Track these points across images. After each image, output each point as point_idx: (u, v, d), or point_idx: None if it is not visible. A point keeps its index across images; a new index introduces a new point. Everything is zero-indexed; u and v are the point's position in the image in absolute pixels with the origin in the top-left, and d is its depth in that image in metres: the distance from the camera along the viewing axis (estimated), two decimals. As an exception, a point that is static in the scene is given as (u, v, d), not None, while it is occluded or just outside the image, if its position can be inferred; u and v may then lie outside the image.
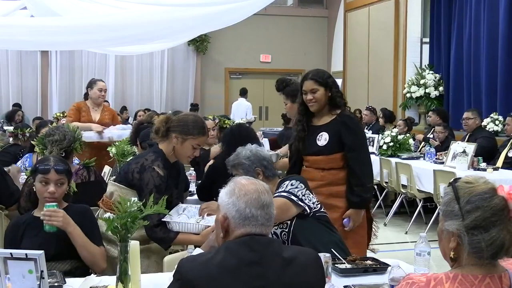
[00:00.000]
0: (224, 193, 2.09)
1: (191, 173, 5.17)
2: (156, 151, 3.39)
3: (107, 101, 9.26)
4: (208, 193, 4.53)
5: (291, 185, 3.15)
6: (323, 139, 3.76)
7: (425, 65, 11.22)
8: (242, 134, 4.41)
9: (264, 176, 3.18)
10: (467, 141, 7.41)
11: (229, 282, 1.94)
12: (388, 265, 2.86)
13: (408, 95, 11.03)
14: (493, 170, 6.65)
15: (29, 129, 6.60)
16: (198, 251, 2.58)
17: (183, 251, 2.90)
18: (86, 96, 6.57)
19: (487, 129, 8.38)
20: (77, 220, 3.00)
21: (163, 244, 3.29)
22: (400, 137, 8.03)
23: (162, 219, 3.23)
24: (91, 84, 6.53)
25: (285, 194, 3.11)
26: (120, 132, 6.31)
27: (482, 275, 1.66)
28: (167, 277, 2.52)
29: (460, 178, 1.76)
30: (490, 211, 1.65)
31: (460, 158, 6.82)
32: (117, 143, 5.43)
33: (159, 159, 3.33)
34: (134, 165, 3.34)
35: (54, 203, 2.95)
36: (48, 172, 2.99)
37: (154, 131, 3.43)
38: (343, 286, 2.61)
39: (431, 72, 10.91)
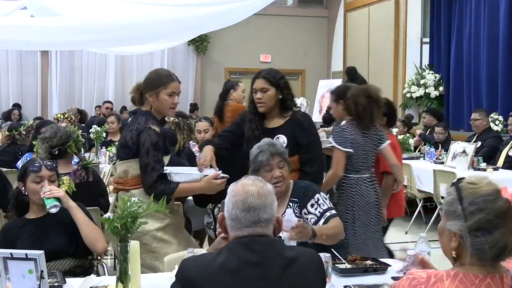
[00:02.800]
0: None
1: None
2: (143, 114, 3.40)
3: None
4: (204, 197, 4.52)
5: (326, 199, 3.19)
6: (281, 141, 3.55)
7: (425, 65, 11.22)
8: None
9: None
10: (475, 141, 7.40)
11: (231, 283, 1.94)
12: (388, 265, 2.87)
13: (408, 95, 11.03)
14: (493, 170, 6.65)
15: (23, 126, 6.56)
16: (199, 251, 2.58)
17: (184, 251, 2.89)
18: (225, 97, 6.17)
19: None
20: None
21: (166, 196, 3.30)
22: (400, 137, 8.03)
23: (163, 172, 3.27)
24: (233, 85, 6.26)
25: (334, 211, 3.15)
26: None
27: (483, 275, 1.66)
28: (167, 277, 2.53)
29: (463, 178, 1.76)
30: (493, 214, 1.65)
31: (460, 158, 6.83)
32: (117, 143, 5.43)
33: (150, 118, 3.35)
34: (129, 133, 3.35)
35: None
36: (40, 169, 3.01)
37: (131, 101, 3.53)
38: (343, 286, 2.61)
39: (431, 72, 10.91)
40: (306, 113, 3.96)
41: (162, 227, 3.36)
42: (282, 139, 3.59)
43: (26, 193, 3.06)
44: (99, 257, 3.33)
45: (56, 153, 4.00)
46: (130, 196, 3.04)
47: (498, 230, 1.64)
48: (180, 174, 3.33)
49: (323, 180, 4.02)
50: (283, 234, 2.77)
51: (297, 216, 3.10)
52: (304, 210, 3.14)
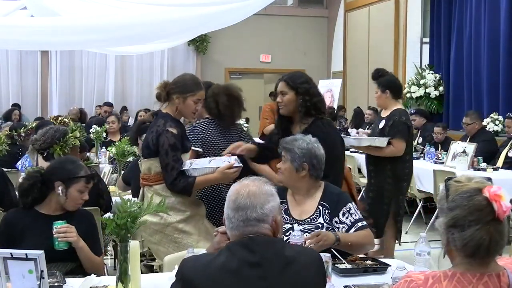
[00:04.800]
0: None
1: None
2: (163, 116, 3.61)
3: None
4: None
5: (357, 209, 3.14)
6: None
7: (425, 65, 11.22)
8: None
9: (309, 174, 3.11)
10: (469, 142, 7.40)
11: (231, 283, 1.95)
12: (388, 265, 2.87)
13: (408, 95, 11.02)
14: (493, 170, 6.65)
15: (23, 128, 6.56)
16: (199, 251, 2.58)
17: (184, 251, 2.90)
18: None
19: (487, 129, 8.37)
20: (81, 225, 3.02)
21: (186, 192, 3.52)
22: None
23: (182, 169, 3.50)
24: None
25: (365, 223, 3.10)
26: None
27: (480, 273, 1.66)
28: (167, 277, 2.53)
29: (454, 176, 1.77)
30: (467, 210, 1.65)
31: (460, 158, 6.83)
32: (117, 143, 5.43)
33: (168, 120, 3.56)
34: (150, 135, 3.59)
35: (62, 221, 2.95)
36: (92, 181, 3.07)
37: (156, 97, 3.66)
38: (343, 286, 2.61)
39: (431, 72, 10.90)
40: (329, 121, 3.78)
41: (184, 219, 3.57)
42: None
43: (61, 193, 3.02)
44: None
45: (45, 155, 3.95)
46: (154, 191, 3.55)
47: (471, 228, 1.64)
48: (196, 169, 3.54)
49: None
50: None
51: (327, 223, 3.07)
52: (336, 219, 3.08)
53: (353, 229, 3.05)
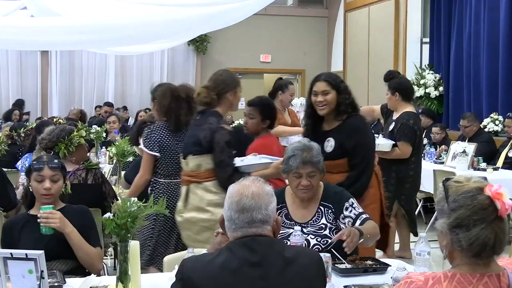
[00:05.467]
0: None
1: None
2: (212, 114, 3.67)
3: None
4: None
5: (357, 203, 3.19)
6: (329, 145, 3.67)
7: (425, 65, 11.21)
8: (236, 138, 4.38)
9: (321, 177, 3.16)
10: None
11: (231, 283, 1.94)
12: (388, 265, 2.87)
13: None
14: (493, 170, 6.64)
15: (23, 128, 6.56)
16: (198, 251, 2.58)
17: (184, 251, 2.90)
18: (273, 96, 6.02)
19: (486, 129, 8.36)
20: (76, 221, 3.00)
21: None
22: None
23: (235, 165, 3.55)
24: (282, 87, 6.13)
25: (368, 215, 3.15)
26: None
27: (480, 274, 1.66)
28: (167, 277, 2.53)
29: (452, 177, 1.77)
30: (472, 210, 1.65)
31: (460, 158, 6.83)
32: (117, 143, 5.43)
33: (220, 119, 3.67)
34: (202, 133, 3.60)
35: (50, 205, 2.95)
36: (42, 169, 3.01)
37: (204, 104, 3.68)
38: (343, 286, 2.61)
39: (431, 72, 10.90)
40: (362, 116, 3.90)
41: None
42: (330, 143, 3.67)
43: (30, 189, 3.07)
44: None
45: (51, 154, 3.95)
46: (203, 187, 3.57)
47: (476, 227, 1.64)
48: (249, 165, 3.60)
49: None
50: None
51: (330, 223, 3.08)
52: (342, 215, 3.10)
53: (358, 221, 3.07)
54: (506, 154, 7.11)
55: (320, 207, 3.12)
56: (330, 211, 3.11)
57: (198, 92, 3.73)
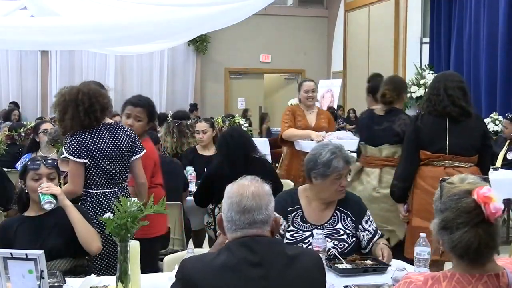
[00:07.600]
0: None
1: (190, 173, 5.16)
2: (399, 111, 4.53)
3: None
4: (203, 200, 4.52)
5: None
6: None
7: (425, 65, 11.22)
8: (235, 139, 4.35)
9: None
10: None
11: (231, 283, 1.94)
12: (388, 265, 2.86)
13: (408, 95, 11.03)
14: (493, 170, 6.63)
15: (23, 128, 6.56)
16: (198, 251, 2.58)
17: (183, 251, 2.90)
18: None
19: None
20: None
21: None
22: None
23: None
24: (298, 86, 5.98)
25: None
26: (341, 141, 4.91)
27: (479, 273, 1.67)
28: (167, 277, 2.53)
29: (449, 178, 1.78)
30: (455, 213, 1.65)
31: (460, 158, 6.81)
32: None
33: (407, 116, 4.51)
34: (398, 127, 4.39)
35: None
36: (39, 167, 3.02)
37: (389, 103, 4.47)
38: (343, 286, 2.61)
39: (431, 72, 10.90)
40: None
41: None
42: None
43: (27, 191, 3.06)
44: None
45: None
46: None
47: (459, 230, 1.64)
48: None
49: None
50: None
51: (346, 229, 3.05)
52: (360, 227, 3.08)
53: (376, 237, 3.08)
54: (504, 155, 7.10)
55: (337, 211, 3.08)
56: (349, 218, 3.08)
57: (383, 94, 4.44)
